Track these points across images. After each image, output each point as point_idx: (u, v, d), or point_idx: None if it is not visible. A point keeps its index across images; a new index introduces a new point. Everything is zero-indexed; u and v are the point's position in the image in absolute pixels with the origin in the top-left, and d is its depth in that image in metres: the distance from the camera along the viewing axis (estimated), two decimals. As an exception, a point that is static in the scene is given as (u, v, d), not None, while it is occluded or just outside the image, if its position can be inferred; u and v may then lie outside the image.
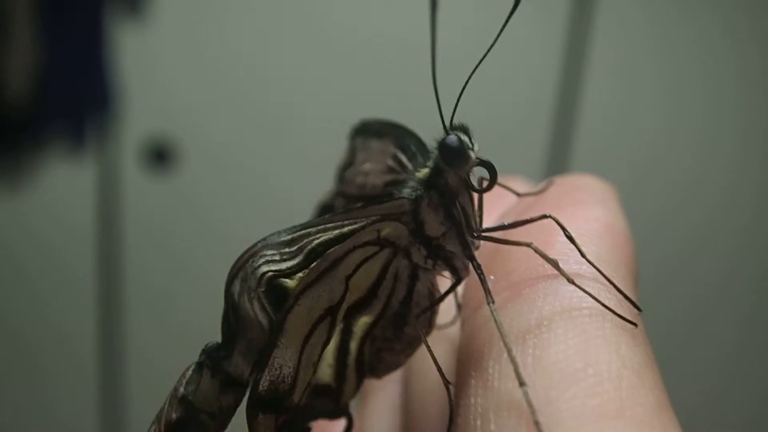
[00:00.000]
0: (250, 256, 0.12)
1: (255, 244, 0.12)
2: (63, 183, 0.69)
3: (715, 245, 0.72)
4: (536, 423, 0.10)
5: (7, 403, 0.73)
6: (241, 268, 0.12)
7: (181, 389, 0.13)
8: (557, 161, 0.69)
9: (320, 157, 0.72)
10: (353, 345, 0.14)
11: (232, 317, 0.12)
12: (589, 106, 0.69)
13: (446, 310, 0.15)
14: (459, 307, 0.15)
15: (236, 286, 0.12)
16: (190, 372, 0.13)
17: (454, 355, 0.14)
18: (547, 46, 0.68)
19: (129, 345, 0.72)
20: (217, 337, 0.13)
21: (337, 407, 0.14)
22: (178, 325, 0.72)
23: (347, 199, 0.16)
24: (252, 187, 0.71)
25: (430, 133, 0.13)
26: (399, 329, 0.14)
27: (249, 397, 0.13)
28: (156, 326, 0.73)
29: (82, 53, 0.67)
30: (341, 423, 0.15)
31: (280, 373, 0.13)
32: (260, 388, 0.13)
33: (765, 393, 0.73)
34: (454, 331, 0.15)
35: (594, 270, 0.12)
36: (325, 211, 0.17)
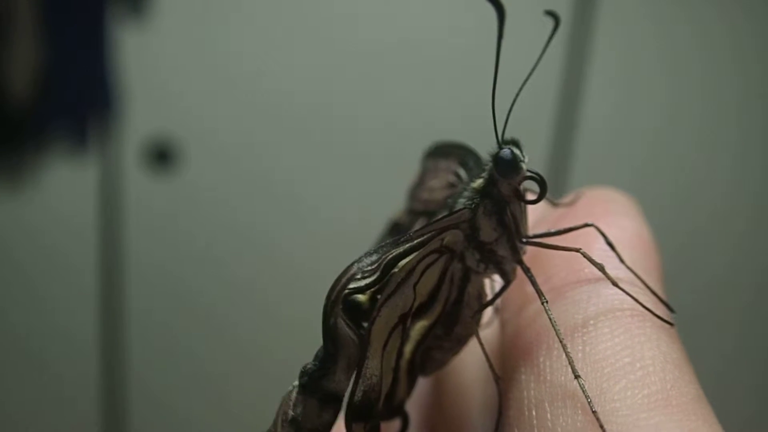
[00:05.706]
0: (348, 279, 0.13)
1: (351, 266, 0.13)
2: (65, 183, 0.69)
3: (715, 247, 0.74)
4: (594, 412, 0.11)
5: (8, 403, 0.73)
6: (340, 291, 0.13)
7: (291, 412, 0.13)
8: (558, 164, 0.70)
9: (323, 155, 0.73)
10: (408, 348, 0.15)
11: (331, 339, 0.13)
12: (591, 109, 0.70)
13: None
14: (496, 309, 0.16)
15: (334, 309, 0.13)
16: (294, 394, 0.13)
17: (493, 353, 0.15)
18: (549, 49, 0.69)
19: (131, 345, 0.73)
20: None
21: (391, 408, 0.15)
22: (180, 325, 0.73)
23: (414, 215, 0.17)
24: (254, 186, 0.71)
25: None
26: (449, 328, 0.15)
27: (346, 409, 0.14)
28: (158, 326, 0.73)
29: (84, 53, 0.67)
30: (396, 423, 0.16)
31: (371, 382, 0.13)
32: (355, 398, 0.13)
33: (763, 395, 0.75)
34: (489, 332, 0.16)
35: (631, 274, 0.14)
36: (396, 228, 0.18)
